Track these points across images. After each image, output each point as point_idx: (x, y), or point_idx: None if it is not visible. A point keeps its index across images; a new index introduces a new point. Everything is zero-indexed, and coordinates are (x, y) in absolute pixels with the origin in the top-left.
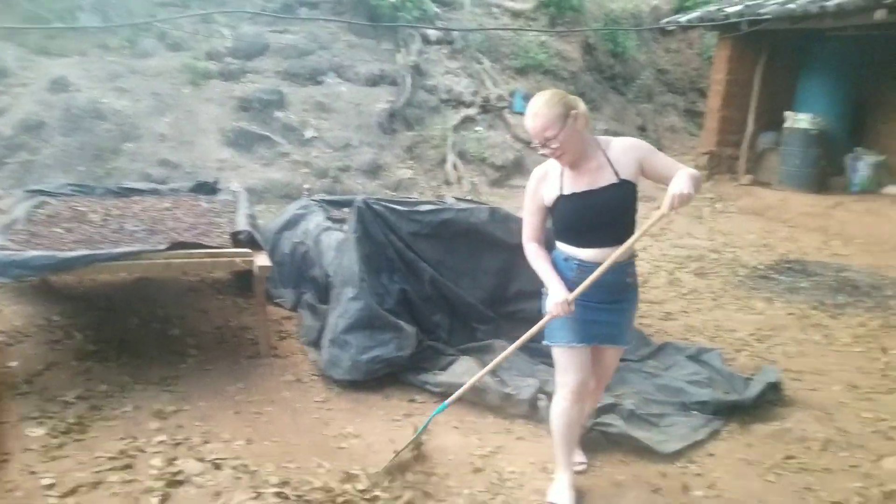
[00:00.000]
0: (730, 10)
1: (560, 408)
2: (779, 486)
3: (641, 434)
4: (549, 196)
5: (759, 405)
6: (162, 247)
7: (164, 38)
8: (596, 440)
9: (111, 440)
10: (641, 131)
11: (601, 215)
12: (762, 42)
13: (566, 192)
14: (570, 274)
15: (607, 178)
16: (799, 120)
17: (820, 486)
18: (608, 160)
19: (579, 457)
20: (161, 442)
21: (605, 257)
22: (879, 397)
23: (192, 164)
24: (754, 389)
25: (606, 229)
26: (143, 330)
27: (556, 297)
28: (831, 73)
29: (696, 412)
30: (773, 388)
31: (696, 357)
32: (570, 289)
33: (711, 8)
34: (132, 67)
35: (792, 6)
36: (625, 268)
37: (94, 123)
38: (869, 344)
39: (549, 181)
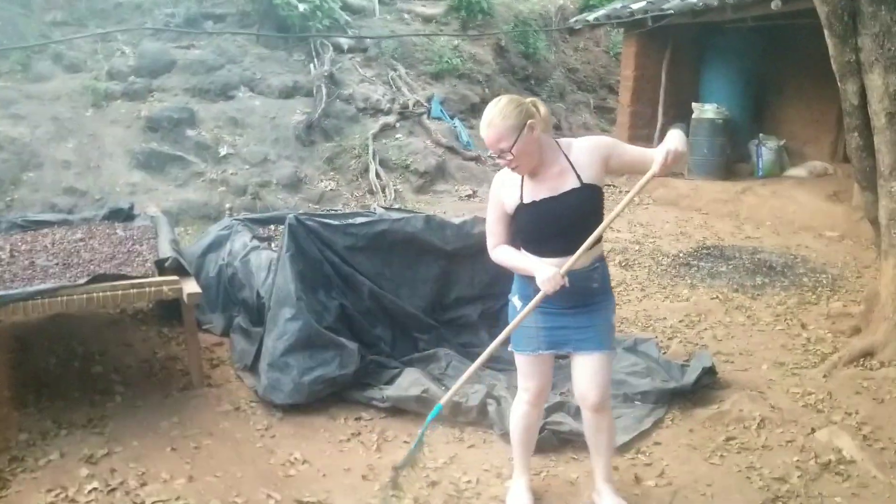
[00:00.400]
0: (634, 6)
1: (520, 412)
2: (724, 468)
3: None
4: (510, 204)
5: (696, 390)
6: (81, 281)
7: (61, 60)
8: (547, 440)
9: (38, 493)
10: (556, 130)
11: (563, 221)
12: (666, 37)
13: (526, 200)
14: (534, 285)
15: (570, 183)
16: (705, 111)
17: (761, 463)
18: (570, 164)
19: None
20: (94, 489)
21: (583, 259)
22: (804, 372)
23: (101, 190)
24: (691, 375)
25: (570, 236)
26: (63, 370)
27: (546, 272)
28: (733, 64)
29: (639, 402)
30: (709, 372)
31: (634, 348)
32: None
33: (617, 5)
34: (27, 92)
35: (693, 0)
36: (589, 273)
37: None
38: (789, 321)
39: (509, 188)
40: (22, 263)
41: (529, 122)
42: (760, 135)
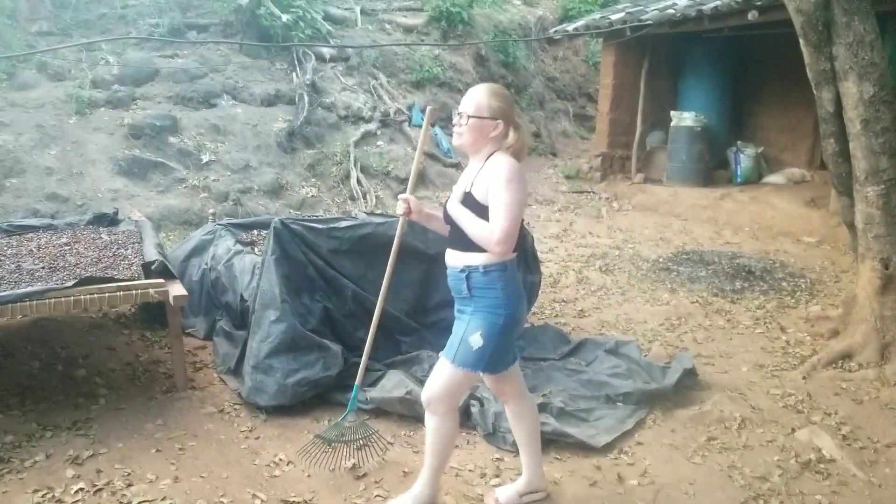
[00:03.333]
0: (613, 17)
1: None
2: (706, 468)
3: (573, 430)
4: None
5: (678, 391)
6: (69, 284)
7: (45, 69)
8: None
9: (24, 493)
10: (536, 137)
11: (448, 216)
12: (645, 46)
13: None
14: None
15: (466, 186)
16: (683, 118)
17: (742, 463)
18: (479, 172)
19: (526, 478)
20: (80, 490)
21: (450, 257)
22: (784, 374)
23: (83, 196)
24: (672, 376)
25: (452, 233)
26: (47, 373)
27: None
28: (710, 73)
29: (620, 403)
30: (689, 373)
31: (615, 350)
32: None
33: (596, 16)
34: (11, 100)
35: (671, 11)
36: (459, 275)
37: None
38: (768, 325)
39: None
40: (8, 267)
41: (501, 121)
42: (738, 142)
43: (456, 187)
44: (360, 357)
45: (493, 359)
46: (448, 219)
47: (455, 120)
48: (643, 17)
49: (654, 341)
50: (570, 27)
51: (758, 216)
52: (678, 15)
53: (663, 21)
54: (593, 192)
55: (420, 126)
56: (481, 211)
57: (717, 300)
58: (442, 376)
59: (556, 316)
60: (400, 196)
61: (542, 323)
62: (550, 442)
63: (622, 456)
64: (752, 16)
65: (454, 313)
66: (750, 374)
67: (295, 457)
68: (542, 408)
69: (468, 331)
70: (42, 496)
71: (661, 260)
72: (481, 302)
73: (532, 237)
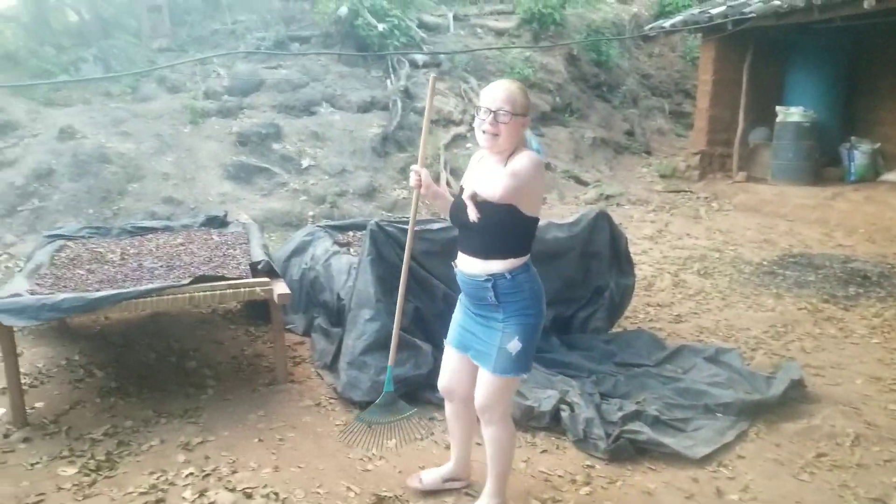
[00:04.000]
0: (713, 11)
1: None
2: (814, 486)
3: (669, 440)
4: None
5: (783, 403)
6: (185, 281)
7: (164, 82)
8: (623, 448)
9: (141, 475)
10: (629, 136)
11: (465, 220)
12: (747, 40)
13: (463, 182)
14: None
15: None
16: (790, 113)
17: (856, 483)
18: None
19: (452, 466)
20: (190, 474)
21: (466, 265)
22: None
23: (195, 199)
24: (778, 387)
25: (467, 237)
26: (161, 364)
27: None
28: (820, 65)
29: (720, 414)
30: (796, 385)
31: (715, 358)
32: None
33: (695, 11)
34: (135, 112)
35: (777, 2)
36: (482, 284)
37: (101, 167)
38: (886, 335)
39: (470, 165)
40: (131, 265)
41: (528, 116)
42: (852, 138)
43: (469, 184)
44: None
45: (530, 358)
46: (458, 219)
47: (486, 118)
48: (746, 10)
49: (758, 350)
50: (667, 23)
51: (874, 217)
52: (785, 6)
53: (768, 13)
54: (690, 192)
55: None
56: (511, 212)
57: (828, 307)
58: (488, 387)
59: (650, 320)
60: (412, 167)
61: (635, 327)
62: (644, 451)
63: (721, 469)
64: (867, 4)
65: (472, 317)
66: (865, 387)
67: (340, 438)
68: (636, 416)
69: (503, 339)
70: (157, 478)
71: (765, 263)
72: (511, 307)
73: (625, 238)
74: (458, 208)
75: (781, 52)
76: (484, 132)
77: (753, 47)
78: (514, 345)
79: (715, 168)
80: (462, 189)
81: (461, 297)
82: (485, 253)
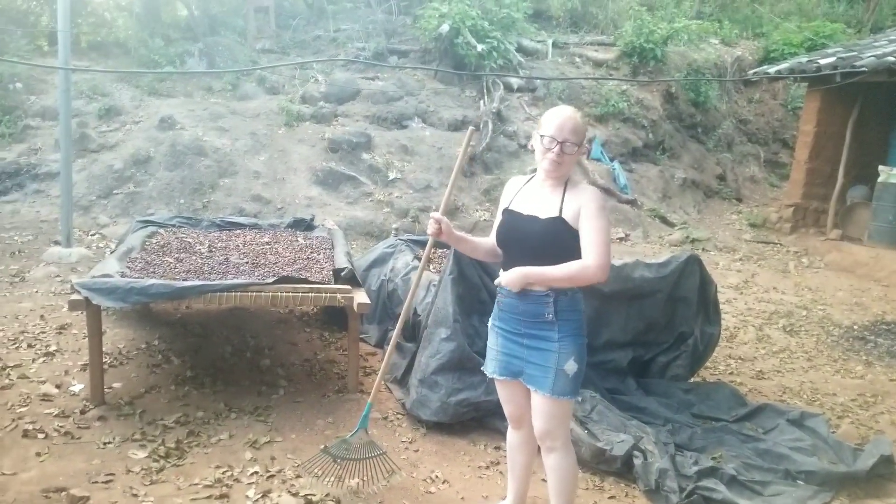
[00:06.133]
0: (823, 61)
1: (508, 432)
2: None
3: (745, 502)
4: (502, 205)
5: (870, 479)
6: (269, 280)
7: (264, 83)
8: None
9: (208, 467)
10: (721, 180)
11: (524, 242)
12: (856, 94)
13: (511, 206)
14: (498, 294)
15: (548, 212)
16: (893, 174)
17: None
18: (563, 196)
19: (512, 501)
20: (255, 473)
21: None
22: None
23: (283, 200)
24: (866, 461)
25: (526, 259)
26: (236, 359)
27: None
28: None
29: (802, 482)
30: (886, 461)
31: (799, 422)
32: (499, 309)
33: (802, 59)
34: (233, 109)
35: (891, 59)
36: (541, 299)
37: (196, 159)
38: None
39: (510, 191)
40: (218, 259)
41: (587, 141)
42: None
43: (520, 208)
44: None
45: (581, 381)
46: (511, 239)
47: (553, 154)
48: (857, 64)
49: (844, 418)
50: (773, 69)
51: None
52: None
53: (880, 69)
54: (780, 244)
55: (599, 159)
56: (572, 236)
57: None
58: (548, 412)
59: (730, 374)
60: (432, 214)
61: (715, 379)
62: None
63: None
64: None
65: (518, 342)
66: None
67: (300, 469)
68: (712, 472)
69: (560, 360)
70: (222, 473)
71: (855, 328)
72: (567, 326)
73: (715, 286)
74: (512, 228)
75: (890, 109)
76: (550, 161)
77: (861, 102)
78: (571, 366)
79: (808, 223)
80: (509, 211)
81: (496, 322)
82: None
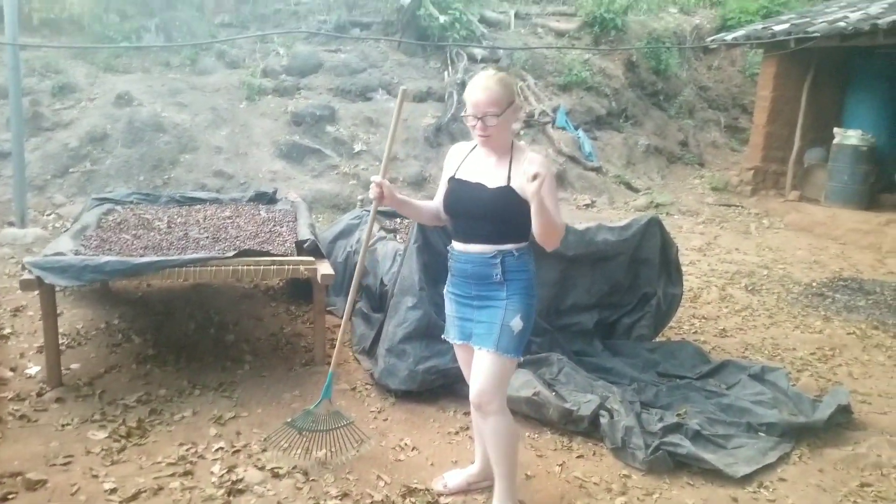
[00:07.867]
0: (777, 28)
1: None
2: None
3: (709, 456)
4: (447, 173)
5: (829, 428)
6: (230, 254)
7: (224, 57)
8: (662, 460)
9: (171, 445)
10: (683, 146)
11: (473, 211)
12: (809, 59)
13: (458, 174)
14: (449, 260)
15: (496, 181)
16: (848, 136)
17: None
18: (510, 164)
19: (478, 468)
20: (220, 449)
21: (472, 247)
22: None
23: (246, 174)
24: (825, 411)
25: (475, 225)
26: (200, 335)
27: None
28: (882, 89)
29: (763, 434)
30: (844, 410)
31: (761, 376)
32: (451, 274)
33: (758, 26)
34: (192, 84)
35: (842, 24)
36: (488, 260)
37: (155, 136)
38: None
39: (455, 158)
40: (177, 234)
41: (516, 101)
42: None
43: (470, 174)
44: None
45: (525, 343)
46: (461, 207)
47: (478, 129)
48: (810, 30)
49: (804, 371)
50: (729, 37)
51: None
52: (850, 28)
53: (832, 34)
54: (742, 207)
55: (564, 127)
56: (521, 203)
57: (878, 333)
58: (487, 369)
59: (694, 333)
60: (372, 178)
61: (679, 338)
62: (683, 465)
63: (762, 490)
64: None
65: (469, 304)
66: None
67: (265, 443)
68: (677, 428)
69: (507, 316)
70: (186, 450)
71: (814, 284)
72: (515, 285)
73: (676, 247)
74: (460, 196)
75: (843, 73)
76: (478, 136)
77: (815, 67)
78: (517, 322)
79: (768, 185)
80: (456, 180)
81: (450, 288)
82: (498, 238)
